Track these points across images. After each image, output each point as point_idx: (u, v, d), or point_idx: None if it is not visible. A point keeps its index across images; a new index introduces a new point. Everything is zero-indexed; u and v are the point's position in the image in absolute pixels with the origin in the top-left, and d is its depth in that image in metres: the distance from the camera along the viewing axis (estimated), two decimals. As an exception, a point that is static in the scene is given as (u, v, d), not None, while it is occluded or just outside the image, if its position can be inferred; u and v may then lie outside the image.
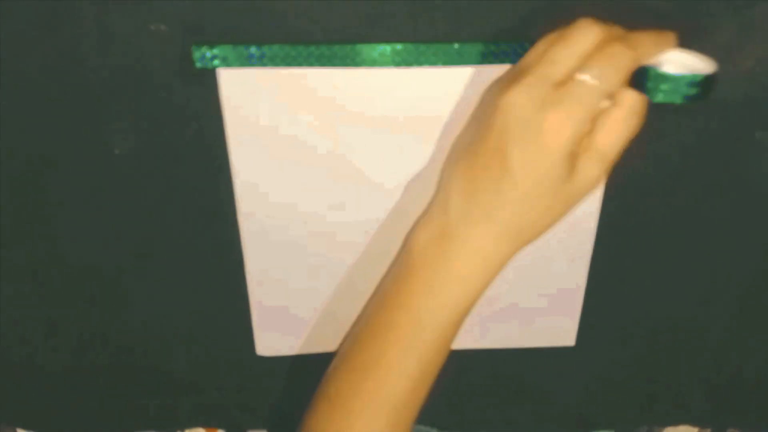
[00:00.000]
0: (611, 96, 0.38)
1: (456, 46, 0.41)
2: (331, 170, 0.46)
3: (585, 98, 0.36)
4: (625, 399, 0.61)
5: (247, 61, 0.41)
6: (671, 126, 0.46)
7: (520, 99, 0.37)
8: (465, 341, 0.55)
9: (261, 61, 0.41)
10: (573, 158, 0.38)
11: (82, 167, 0.46)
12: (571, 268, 0.51)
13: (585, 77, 0.36)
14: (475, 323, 0.54)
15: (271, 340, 0.54)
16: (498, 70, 0.42)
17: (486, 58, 0.42)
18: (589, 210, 0.49)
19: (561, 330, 0.55)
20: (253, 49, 0.41)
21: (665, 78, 0.37)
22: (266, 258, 0.50)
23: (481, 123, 0.40)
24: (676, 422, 0.62)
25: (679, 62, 0.38)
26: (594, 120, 0.38)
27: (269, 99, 0.43)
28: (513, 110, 0.37)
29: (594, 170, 0.38)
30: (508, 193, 0.39)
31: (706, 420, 0.62)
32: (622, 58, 0.36)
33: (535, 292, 0.53)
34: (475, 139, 0.40)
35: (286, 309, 0.53)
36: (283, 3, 0.41)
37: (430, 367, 0.44)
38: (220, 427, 0.61)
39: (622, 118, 0.38)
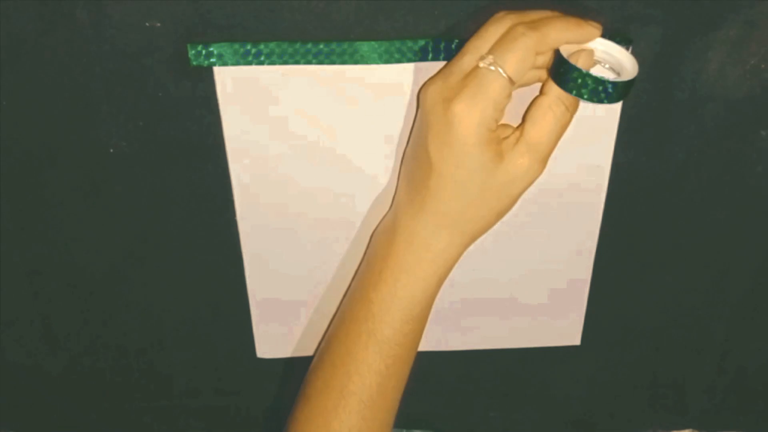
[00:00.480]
0: (545, 87, 0.39)
1: (456, 41, 0.41)
2: (330, 168, 0.46)
3: (486, 84, 0.37)
4: (628, 403, 0.60)
5: (243, 59, 0.41)
6: (676, 123, 0.46)
7: (431, 92, 0.39)
8: (470, 342, 0.55)
9: (257, 59, 0.41)
10: (496, 146, 0.39)
11: (78, 166, 0.46)
12: (575, 267, 0.51)
13: (483, 63, 0.37)
14: (478, 324, 0.54)
15: (271, 342, 0.54)
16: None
17: None
18: (592, 208, 0.48)
19: (566, 330, 0.55)
20: (249, 47, 0.41)
21: (584, 77, 0.37)
22: (265, 258, 0.50)
23: (416, 119, 0.42)
24: (680, 426, 0.62)
25: (606, 60, 0.39)
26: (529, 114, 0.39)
27: (266, 96, 0.43)
28: (426, 103, 0.39)
29: (522, 159, 0.39)
30: (434, 184, 0.40)
31: (710, 424, 0.61)
32: (521, 41, 0.37)
33: (539, 291, 0.52)
34: (411, 135, 0.43)
35: (287, 311, 0.53)
36: (278, 1, 0.40)
37: (396, 361, 0.44)
38: (218, 430, 0.61)
39: (547, 107, 0.39)
